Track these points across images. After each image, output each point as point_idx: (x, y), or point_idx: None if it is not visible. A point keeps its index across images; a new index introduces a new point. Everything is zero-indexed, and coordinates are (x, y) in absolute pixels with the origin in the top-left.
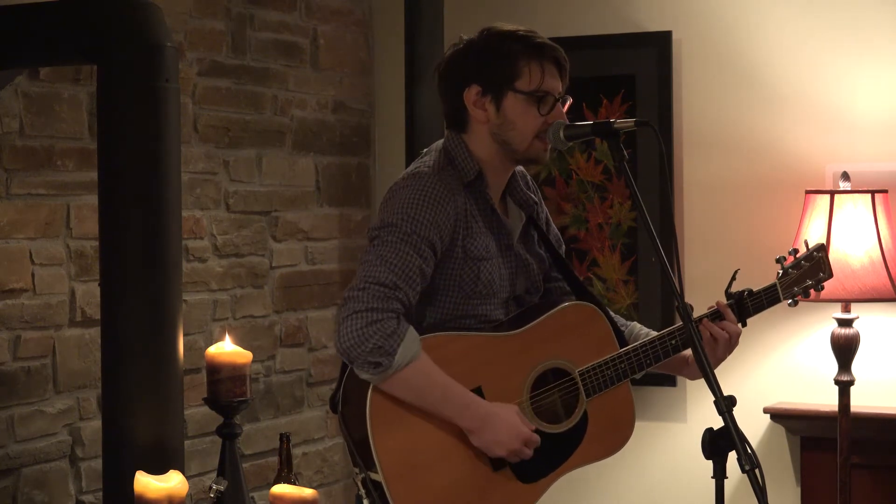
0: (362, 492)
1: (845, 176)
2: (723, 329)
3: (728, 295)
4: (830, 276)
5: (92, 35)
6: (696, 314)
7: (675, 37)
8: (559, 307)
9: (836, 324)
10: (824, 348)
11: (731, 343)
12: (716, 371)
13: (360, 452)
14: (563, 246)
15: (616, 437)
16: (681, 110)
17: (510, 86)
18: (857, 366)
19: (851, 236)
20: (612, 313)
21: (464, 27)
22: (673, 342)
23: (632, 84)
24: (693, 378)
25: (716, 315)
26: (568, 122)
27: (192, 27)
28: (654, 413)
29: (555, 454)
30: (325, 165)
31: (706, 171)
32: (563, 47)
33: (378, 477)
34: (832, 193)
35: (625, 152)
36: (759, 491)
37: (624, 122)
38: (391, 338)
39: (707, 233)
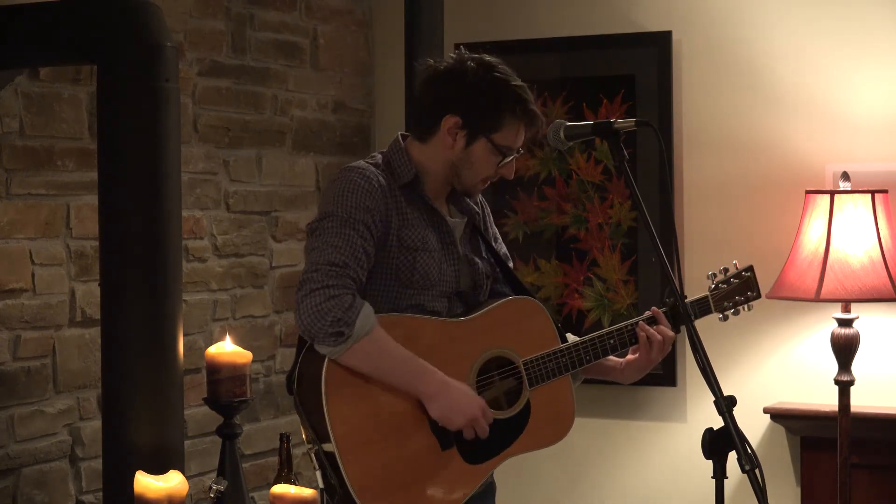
0: (315, 463)
1: (845, 176)
2: (658, 332)
3: (663, 302)
4: (759, 296)
5: (92, 35)
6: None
7: (675, 37)
8: (505, 300)
9: (836, 324)
10: (824, 348)
11: (665, 346)
12: (715, 371)
13: (315, 426)
14: (511, 262)
15: (556, 429)
16: (681, 110)
17: (487, 134)
18: (857, 366)
19: (851, 236)
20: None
21: (464, 28)
22: (611, 341)
23: (632, 84)
24: (627, 381)
25: (651, 320)
26: (568, 122)
27: (192, 27)
28: (654, 413)
29: (499, 439)
30: (325, 165)
31: (706, 171)
32: (564, 47)
33: (331, 447)
34: (832, 193)
35: (625, 152)
36: (759, 491)
37: (624, 122)
38: (349, 310)
39: (707, 233)
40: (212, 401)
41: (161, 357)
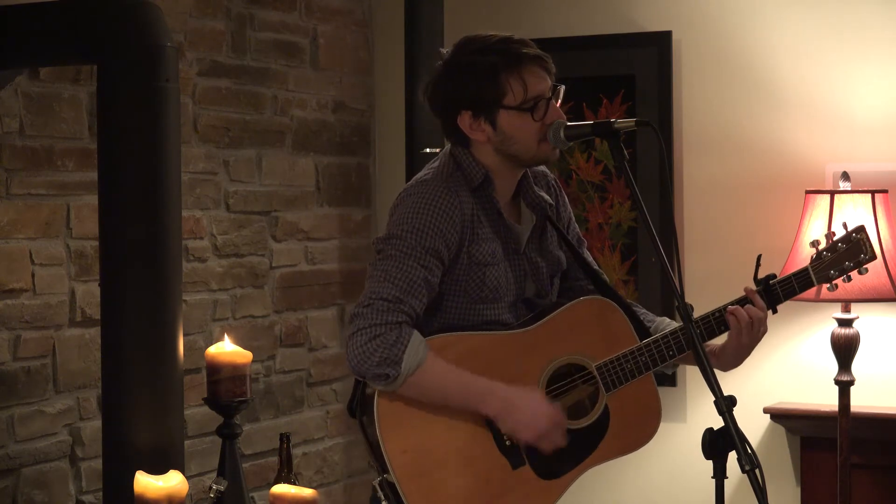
0: (380, 494)
1: (845, 176)
2: (746, 312)
3: (756, 281)
4: (874, 257)
5: (92, 35)
6: (695, 316)
7: (675, 37)
8: (571, 303)
9: (836, 324)
10: (824, 348)
11: (754, 328)
12: (715, 371)
13: (376, 455)
14: (585, 244)
15: (642, 431)
16: (681, 110)
17: (499, 104)
18: (857, 366)
19: None
20: (637, 309)
21: (464, 27)
22: (696, 331)
23: (632, 84)
24: (725, 369)
25: (743, 301)
26: (568, 122)
27: (192, 27)
28: None
29: (576, 450)
30: (325, 165)
31: (706, 171)
32: (563, 47)
33: (392, 478)
34: (832, 193)
35: (625, 152)
36: (759, 491)
37: (624, 122)
38: (394, 347)
39: (707, 233)
40: (212, 401)
41: (161, 357)
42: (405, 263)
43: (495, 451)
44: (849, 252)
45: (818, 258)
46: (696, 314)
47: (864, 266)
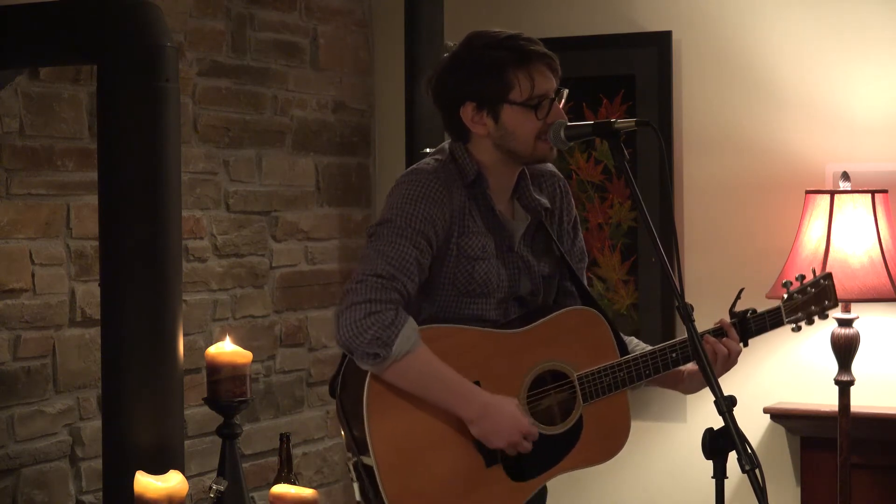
0: (353, 475)
1: (845, 176)
2: (724, 346)
3: (732, 314)
4: (836, 305)
5: (92, 35)
6: (695, 316)
7: (675, 37)
8: (562, 310)
9: (836, 324)
10: (824, 348)
11: (729, 360)
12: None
13: (356, 437)
14: (586, 260)
15: (610, 445)
16: (681, 110)
17: (504, 99)
18: (857, 366)
19: (851, 236)
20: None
21: (464, 27)
22: (673, 355)
23: (632, 84)
24: (688, 393)
25: (718, 332)
26: (569, 122)
27: (192, 27)
28: (654, 413)
29: (547, 456)
30: (325, 165)
31: (706, 171)
32: (564, 47)
33: (370, 461)
34: (832, 193)
35: (625, 152)
36: (759, 491)
37: (625, 122)
38: (389, 328)
39: (707, 233)
40: (212, 401)
41: (161, 357)
42: (397, 243)
43: (472, 447)
44: (816, 297)
45: (790, 299)
46: (696, 315)
47: (826, 312)
